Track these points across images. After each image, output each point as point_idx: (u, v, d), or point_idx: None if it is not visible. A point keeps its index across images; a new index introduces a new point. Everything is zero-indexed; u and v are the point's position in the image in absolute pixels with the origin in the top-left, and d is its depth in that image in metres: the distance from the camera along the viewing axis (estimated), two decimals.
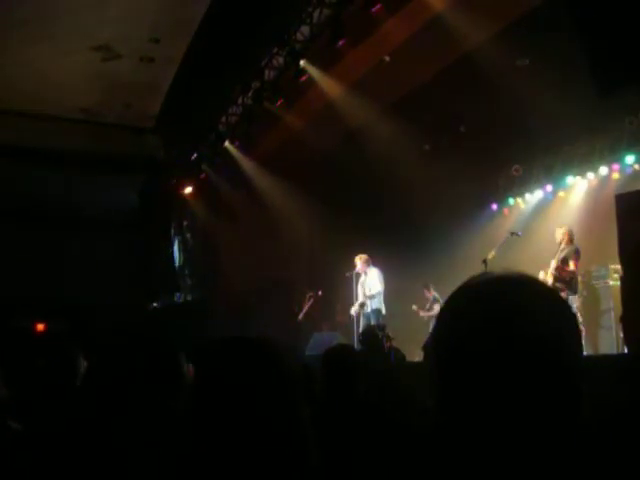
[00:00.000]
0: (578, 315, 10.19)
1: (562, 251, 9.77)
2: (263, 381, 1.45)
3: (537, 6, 9.01)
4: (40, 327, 14.95)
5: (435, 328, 1.19)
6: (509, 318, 1.09)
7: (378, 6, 9.33)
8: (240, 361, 1.51)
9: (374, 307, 11.21)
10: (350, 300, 11.74)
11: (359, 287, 11.55)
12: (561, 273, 9.64)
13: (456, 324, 1.15)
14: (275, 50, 11.58)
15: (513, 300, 1.12)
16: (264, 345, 1.55)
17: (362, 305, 11.26)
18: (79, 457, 2.49)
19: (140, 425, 2.57)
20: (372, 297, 11.23)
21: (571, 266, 9.62)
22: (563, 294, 8.63)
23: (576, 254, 9.70)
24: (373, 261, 11.58)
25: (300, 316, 13.46)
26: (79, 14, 10.42)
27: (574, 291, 9.58)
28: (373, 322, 10.65)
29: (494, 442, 1.08)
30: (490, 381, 1.07)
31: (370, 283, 11.31)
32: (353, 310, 11.57)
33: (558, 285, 9.38)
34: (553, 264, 9.72)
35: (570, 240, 9.89)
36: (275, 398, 1.43)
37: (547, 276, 9.54)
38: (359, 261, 11.45)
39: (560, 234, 9.94)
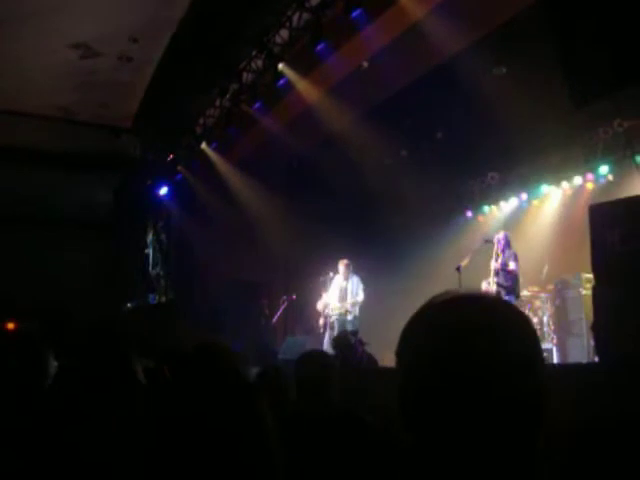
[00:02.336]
0: (550, 324, 10.30)
1: (499, 256, 9.86)
2: (216, 390, 1.45)
3: (515, 16, 9.10)
4: (10, 326, 14.79)
5: (398, 347, 1.19)
6: (470, 338, 1.10)
7: (358, 11, 9.36)
8: (195, 369, 1.51)
9: (356, 314, 11.21)
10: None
11: (336, 290, 11.47)
12: (505, 276, 9.71)
13: (418, 345, 1.15)
14: (254, 53, 11.58)
15: (474, 320, 1.13)
16: (213, 352, 1.55)
17: (346, 312, 11.21)
18: (46, 457, 2.47)
19: (102, 428, 2.56)
20: (356, 304, 11.22)
21: (511, 266, 9.70)
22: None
23: (514, 257, 9.81)
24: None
25: (274, 319, 13.42)
26: (58, 12, 10.33)
27: (517, 295, 9.73)
28: (351, 329, 10.63)
29: (459, 458, 1.08)
30: (451, 400, 1.08)
31: (354, 290, 11.29)
32: (330, 309, 11.42)
33: (501, 290, 9.50)
34: (493, 268, 9.81)
35: (508, 245, 10.00)
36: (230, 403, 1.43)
37: (491, 285, 9.65)
38: (342, 266, 11.41)
39: (497, 239, 10.03)
